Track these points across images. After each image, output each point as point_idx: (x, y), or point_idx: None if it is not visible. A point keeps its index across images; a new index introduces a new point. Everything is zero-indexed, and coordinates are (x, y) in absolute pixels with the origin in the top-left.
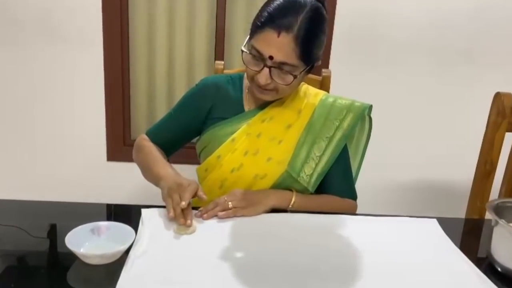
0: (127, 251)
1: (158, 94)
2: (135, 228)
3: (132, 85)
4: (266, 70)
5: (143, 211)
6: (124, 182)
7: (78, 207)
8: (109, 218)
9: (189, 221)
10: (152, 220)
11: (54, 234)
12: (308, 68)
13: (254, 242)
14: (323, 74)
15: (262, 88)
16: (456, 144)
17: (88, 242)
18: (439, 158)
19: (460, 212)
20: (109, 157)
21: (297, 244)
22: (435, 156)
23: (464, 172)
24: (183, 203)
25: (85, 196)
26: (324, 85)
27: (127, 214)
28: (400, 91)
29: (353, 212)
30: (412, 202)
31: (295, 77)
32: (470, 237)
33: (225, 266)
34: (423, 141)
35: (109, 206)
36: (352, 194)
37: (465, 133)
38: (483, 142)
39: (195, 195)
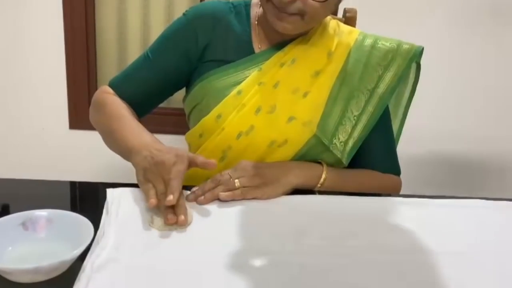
0: (81, 258)
1: (131, 44)
2: (96, 220)
3: (98, 33)
4: None
5: (109, 191)
6: (90, 155)
7: (13, 185)
8: (62, 204)
9: (182, 217)
10: (122, 206)
11: None
12: None
13: (271, 237)
14: (347, 14)
15: (283, 11)
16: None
17: (14, 246)
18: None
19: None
20: (72, 124)
21: (334, 239)
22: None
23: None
24: (171, 198)
25: (43, 172)
26: None
27: (86, 197)
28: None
29: (397, 192)
30: (451, 179)
31: None
32: None
33: (232, 273)
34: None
35: (61, 184)
36: (396, 168)
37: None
38: None
39: (190, 165)
